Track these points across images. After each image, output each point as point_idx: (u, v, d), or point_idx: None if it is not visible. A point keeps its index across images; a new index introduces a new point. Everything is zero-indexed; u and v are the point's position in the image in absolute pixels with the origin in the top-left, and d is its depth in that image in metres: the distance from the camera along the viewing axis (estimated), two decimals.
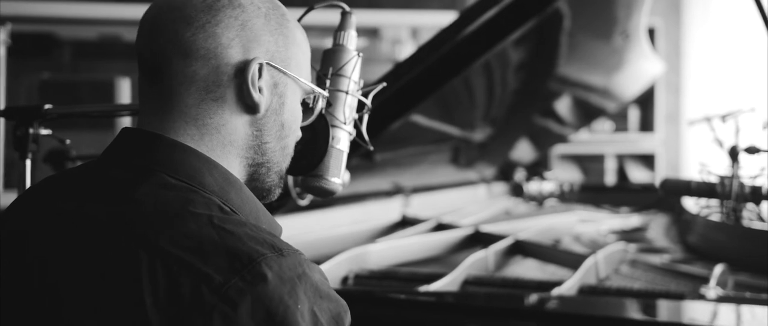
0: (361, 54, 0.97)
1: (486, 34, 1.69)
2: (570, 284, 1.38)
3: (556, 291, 1.33)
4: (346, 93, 0.96)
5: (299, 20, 1.00)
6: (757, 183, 1.82)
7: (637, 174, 4.42)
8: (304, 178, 0.95)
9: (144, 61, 0.76)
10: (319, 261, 1.45)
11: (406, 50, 4.28)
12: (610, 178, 4.40)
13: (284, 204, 1.54)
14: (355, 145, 0.99)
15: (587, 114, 3.09)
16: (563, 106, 2.74)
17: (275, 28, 0.78)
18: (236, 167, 0.77)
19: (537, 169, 3.08)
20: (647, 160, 4.47)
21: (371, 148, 1.00)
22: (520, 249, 1.80)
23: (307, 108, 0.85)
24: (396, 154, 2.19)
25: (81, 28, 4.15)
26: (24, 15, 3.83)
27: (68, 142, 1.18)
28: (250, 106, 0.76)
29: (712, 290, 1.38)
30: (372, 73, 0.91)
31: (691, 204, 2.17)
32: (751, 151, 1.86)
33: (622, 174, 4.45)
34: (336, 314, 0.69)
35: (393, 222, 2.13)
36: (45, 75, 3.60)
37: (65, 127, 1.19)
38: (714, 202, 1.90)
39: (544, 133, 3.05)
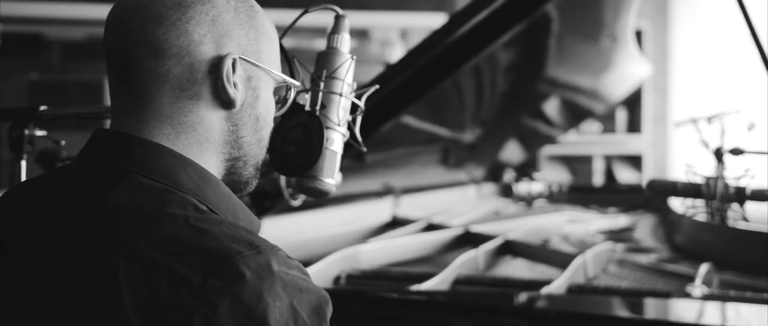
0: (354, 57, 0.99)
1: (476, 37, 1.71)
2: (559, 283, 1.40)
3: (545, 290, 1.35)
4: (340, 95, 0.97)
5: (294, 23, 1.01)
6: (741, 183, 1.84)
7: (625, 175, 4.45)
8: (299, 179, 0.96)
9: (113, 60, 0.75)
10: (311, 261, 1.47)
11: (395, 51, 4.29)
12: (598, 179, 4.43)
13: (277, 205, 1.55)
14: (347, 146, 1.00)
15: (575, 115, 3.12)
16: (552, 107, 2.76)
17: (245, 21, 0.77)
18: (213, 163, 0.77)
19: (526, 170, 3.09)
20: (635, 161, 4.50)
21: (364, 149, 1.01)
22: (510, 249, 1.82)
23: (279, 99, 0.85)
24: (386, 155, 2.20)
25: (69, 28, 4.13)
26: (12, 15, 3.81)
27: (63, 143, 1.19)
28: (225, 102, 0.76)
29: (697, 288, 1.40)
30: (362, 74, 0.93)
31: (677, 204, 2.19)
32: (736, 152, 1.89)
33: (609, 175, 4.47)
34: (316, 306, 0.68)
35: (384, 223, 2.15)
36: (33, 75, 3.59)
37: (55, 128, 1.19)
38: (700, 203, 1.92)
39: (533, 134, 3.06)
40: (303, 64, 1.00)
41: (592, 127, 4.41)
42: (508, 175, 3.05)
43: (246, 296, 0.63)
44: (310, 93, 0.97)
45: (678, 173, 4.13)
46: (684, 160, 3.69)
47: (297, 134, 0.94)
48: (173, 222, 0.66)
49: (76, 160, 0.76)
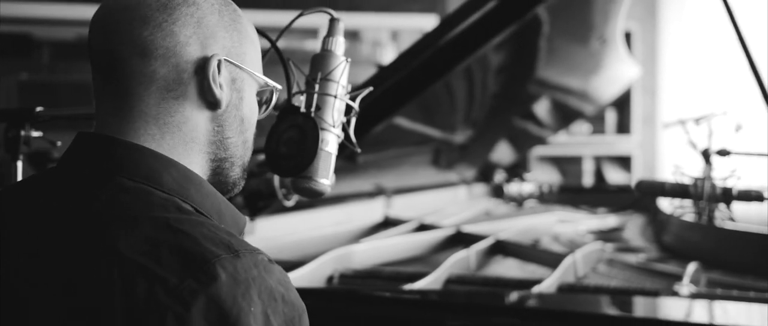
0: (349, 59, 1.00)
1: (467, 39, 1.72)
2: (549, 282, 1.41)
3: (536, 289, 1.36)
4: (335, 97, 0.98)
5: (289, 26, 1.03)
6: (728, 184, 1.86)
7: (614, 176, 4.48)
8: (294, 180, 0.98)
9: (98, 61, 0.76)
10: (304, 261, 1.48)
11: (386, 53, 4.30)
12: (588, 180, 4.45)
13: (270, 205, 1.56)
14: (340, 147, 1.02)
15: (565, 116, 3.14)
16: (542, 108, 2.78)
17: (229, 24, 0.78)
18: (199, 163, 0.78)
19: (516, 171, 3.11)
20: (624, 162, 4.53)
21: (358, 150, 1.02)
22: (501, 248, 1.83)
23: (262, 102, 0.86)
24: (378, 156, 2.21)
25: (59, 28, 4.11)
26: (1, 16, 3.79)
27: (59, 143, 1.19)
28: (211, 103, 0.76)
29: (685, 287, 1.41)
30: (353, 75, 0.94)
31: (665, 204, 2.22)
32: (722, 153, 1.91)
33: (599, 175, 4.50)
34: (290, 318, 0.68)
35: (376, 223, 2.15)
36: (23, 76, 3.57)
37: (47, 128, 1.19)
38: (687, 203, 1.94)
39: (524, 135, 3.08)
40: (298, 66, 1.01)
41: (582, 128, 4.44)
42: (499, 176, 3.07)
43: (220, 298, 0.63)
44: (305, 95, 0.99)
45: (666, 174, 4.17)
46: (672, 160, 3.73)
47: (292, 135, 0.96)
48: (153, 225, 0.67)
49: (59, 164, 0.77)
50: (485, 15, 1.71)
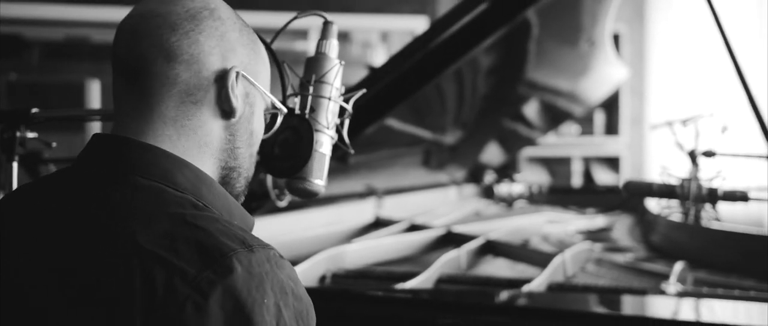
0: (343, 62, 1.02)
1: (458, 42, 1.74)
2: (539, 281, 1.43)
3: (525, 288, 1.38)
4: (329, 99, 1.00)
5: (283, 28, 1.04)
6: (714, 185, 1.89)
7: (603, 177, 4.51)
8: (289, 180, 0.99)
9: (123, 64, 0.79)
10: (297, 261, 1.49)
11: (376, 54, 4.31)
12: (577, 180, 4.48)
13: (263, 206, 1.57)
14: (333, 148, 1.03)
15: (554, 118, 3.16)
16: (531, 110, 2.80)
17: (247, 43, 0.83)
18: (210, 168, 0.81)
19: (506, 172, 3.13)
20: (612, 163, 4.56)
21: (352, 151, 1.04)
22: (491, 248, 1.85)
23: (266, 121, 0.89)
24: (369, 157, 2.22)
25: (49, 29, 4.10)
26: None
27: (55, 144, 1.20)
28: (226, 112, 0.80)
29: (672, 286, 1.44)
30: (343, 76, 0.96)
31: (653, 205, 2.24)
32: (708, 154, 1.94)
33: (588, 176, 4.53)
34: (299, 311, 0.72)
35: (367, 224, 2.16)
36: (12, 76, 3.56)
37: (38, 129, 1.20)
38: (674, 203, 1.97)
39: (513, 137, 3.10)
40: (291, 68, 1.03)
41: (570, 129, 4.47)
42: (489, 177, 3.08)
43: (236, 289, 0.66)
44: (299, 97, 1.00)
45: (654, 174, 4.20)
46: (660, 161, 3.76)
47: (287, 137, 0.97)
48: (170, 220, 0.70)
49: (75, 164, 0.80)
50: (475, 18, 1.73)
